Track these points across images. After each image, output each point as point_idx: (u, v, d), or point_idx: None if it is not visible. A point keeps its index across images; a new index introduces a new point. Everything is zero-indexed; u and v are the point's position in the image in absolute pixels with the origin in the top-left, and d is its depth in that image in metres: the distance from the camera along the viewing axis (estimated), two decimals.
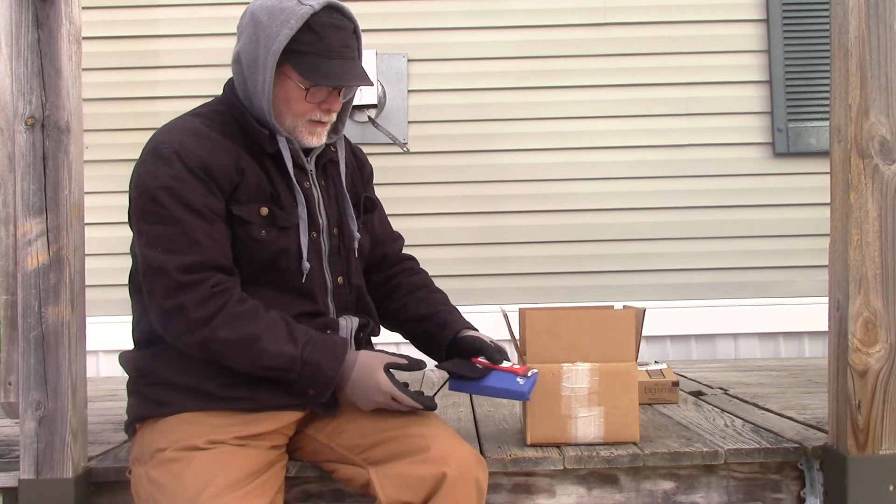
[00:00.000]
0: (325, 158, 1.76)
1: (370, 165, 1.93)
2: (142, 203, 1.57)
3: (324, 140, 1.70)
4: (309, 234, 1.66)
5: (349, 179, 1.80)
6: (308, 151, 1.71)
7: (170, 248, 1.53)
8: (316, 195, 1.71)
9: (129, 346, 1.74)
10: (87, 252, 1.85)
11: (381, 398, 1.59)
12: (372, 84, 1.63)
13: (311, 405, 1.64)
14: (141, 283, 1.62)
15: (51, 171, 1.74)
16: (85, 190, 1.83)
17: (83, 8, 1.83)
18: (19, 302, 1.75)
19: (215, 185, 1.57)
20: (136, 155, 1.60)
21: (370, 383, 1.58)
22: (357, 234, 1.77)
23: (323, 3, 1.57)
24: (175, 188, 1.54)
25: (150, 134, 1.64)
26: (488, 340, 1.73)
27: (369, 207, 1.85)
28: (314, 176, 1.72)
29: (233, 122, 1.65)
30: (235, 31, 1.66)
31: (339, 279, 1.75)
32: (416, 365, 1.62)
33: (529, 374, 1.71)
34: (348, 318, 1.75)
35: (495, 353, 1.70)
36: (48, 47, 1.73)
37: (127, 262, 1.72)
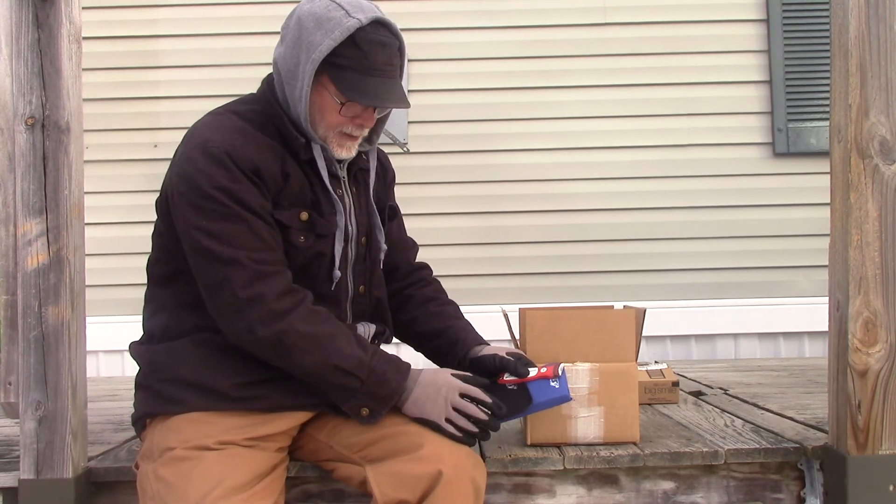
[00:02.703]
0: (357, 167, 1.75)
1: (393, 170, 1.91)
2: (197, 201, 1.53)
3: (353, 153, 1.68)
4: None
5: (375, 187, 1.79)
6: (340, 160, 1.69)
7: (237, 243, 1.52)
8: (348, 203, 1.71)
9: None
10: (87, 252, 1.85)
11: (450, 393, 1.56)
12: (409, 106, 1.60)
13: (326, 405, 1.62)
14: (159, 275, 1.64)
15: (51, 171, 1.73)
16: (85, 190, 1.83)
17: (83, 8, 1.83)
18: (19, 302, 1.75)
19: (265, 187, 1.57)
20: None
21: (439, 381, 1.57)
22: (384, 246, 1.77)
23: (371, 18, 1.53)
24: (233, 190, 1.52)
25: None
26: (505, 353, 1.72)
27: (391, 216, 1.87)
28: (346, 184, 1.72)
29: (271, 124, 1.62)
30: (279, 30, 1.63)
31: (361, 288, 1.75)
32: (478, 381, 1.61)
33: (560, 371, 1.69)
34: (365, 324, 1.76)
35: (519, 366, 1.67)
36: (48, 47, 1.73)
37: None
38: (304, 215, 1.62)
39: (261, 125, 1.61)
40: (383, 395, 1.57)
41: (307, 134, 1.62)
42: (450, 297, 1.94)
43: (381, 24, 1.56)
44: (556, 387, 1.66)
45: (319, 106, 1.60)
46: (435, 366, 1.84)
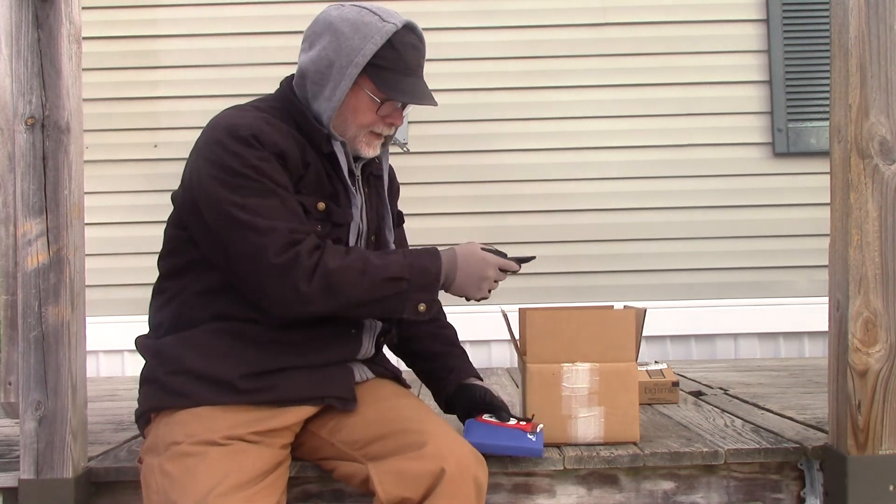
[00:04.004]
0: (368, 170, 1.80)
1: (398, 184, 1.97)
2: (228, 179, 1.57)
3: (378, 152, 1.74)
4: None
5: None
6: (356, 159, 1.74)
7: (273, 215, 1.56)
8: (360, 201, 1.75)
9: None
10: (87, 252, 1.85)
11: (492, 272, 1.66)
12: (437, 104, 1.69)
13: (333, 398, 1.66)
14: (172, 267, 1.67)
15: (51, 171, 1.74)
16: (85, 190, 1.83)
17: (83, 8, 1.83)
18: (19, 302, 1.75)
19: (289, 171, 1.62)
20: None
21: (478, 260, 1.66)
22: (392, 247, 1.81)
23: (403, 23, 1.64)
24: (263, 168, 1.57)
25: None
26: (494, 394, 1.80)
27: (397, 223, 1.92)
28: (360, 183, 1.76)
29: (290, 119, 1.68)
30: (303, 35, 1.69)
31: None
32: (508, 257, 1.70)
33: (538, 429, 1.75)
34: (373, 321, 1.77)
35: (502, 411, 1.76)
36: (48, 47, 1.73)
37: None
38: (322, 205, 1.66)
39: (281, 118, 1.66)
40: (428, 283, 1.61)
41: (328, 131, 1.67)
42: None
43: (410, 29, 1.67)
44: (533, 440, 1.72)
45: (354, 106, 1.66)
46: (424, 384, 1.93)
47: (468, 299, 1.69)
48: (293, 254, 1.54)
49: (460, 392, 1.82)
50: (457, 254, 1.66)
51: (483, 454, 1.62)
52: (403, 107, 1.70)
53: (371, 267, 1.58)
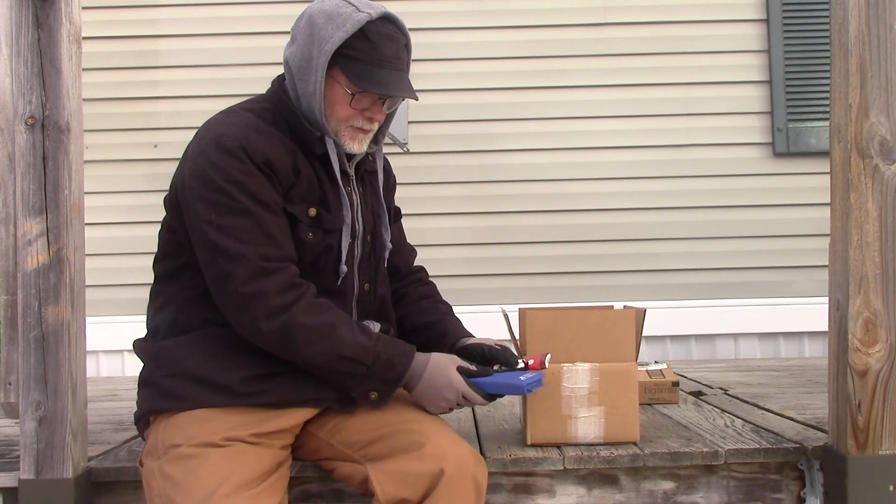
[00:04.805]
0: (363, 168, 1.79)
1: (394, 176, 1.95)
2: (207, 194, 1.56)
3: (364, 148, 1.71)
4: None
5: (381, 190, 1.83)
6: (350, 158, 1.73)
7: (244, 238, 1.54)
8: (355, 201, 1.73)
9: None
10: (87, 252, 1.85)
11: (451, 395, 1.62)
12: (417, 99, 1.66)
13: (331, 400, 1.65)
14: (166, 270, 1.67)
15: (51, 171, 1.74)
16: (85, 190, 1.83)
17: (83, 8, 1.83)
18: (19, 302, 1.75)
19: (278, 181, 1.60)
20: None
21: (443, 380, 1.61)
22: (389, 245, 1.81)
23: (380, 13, 1.60)
24: (245, 183, 1.55)
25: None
26: (493, 343, 1.75)
27: (394, 219, 1.90)
28: (354, 182, 1.75)
29: (283, 121, 1.66)
30: (290, 31, 1.68)
31: (366, 286, 1.77)
32: (484, 371, 1.65)
33: (546, 361, 1.73)
34: (370, 322, 1.77)
35: (509, 356, 1.73)
36: (48, 47, 1.73)
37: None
38: (313, 211, 1.64)
39: (273, 121, 1.65)
40: (390, 378, 1.60)
41: (321, 128, 1.65)
42: (450, 297, 1.96)
43: (389, 20, 1.62)
44: (521, 379, 1.65)
45: (330, 99, 1.64)
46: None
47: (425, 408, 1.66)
48: (261, 286, 1.53)
49: (461, 355, 1.75)
50: (428, 363, 1.63)
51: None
52: (384, 101, 1.66)
53: (336, 339, 1.56)
